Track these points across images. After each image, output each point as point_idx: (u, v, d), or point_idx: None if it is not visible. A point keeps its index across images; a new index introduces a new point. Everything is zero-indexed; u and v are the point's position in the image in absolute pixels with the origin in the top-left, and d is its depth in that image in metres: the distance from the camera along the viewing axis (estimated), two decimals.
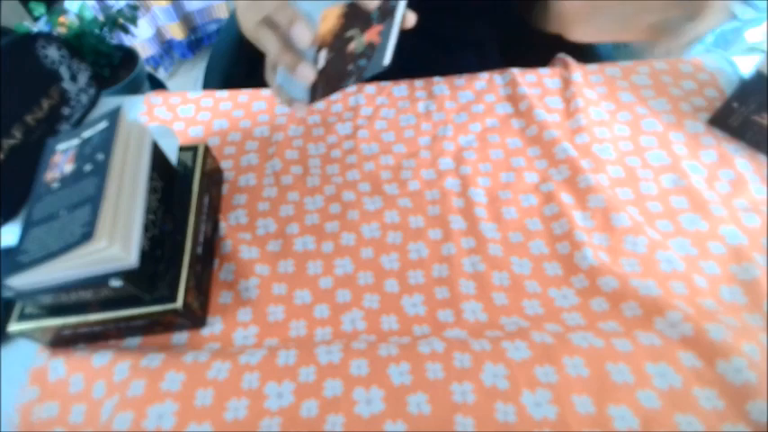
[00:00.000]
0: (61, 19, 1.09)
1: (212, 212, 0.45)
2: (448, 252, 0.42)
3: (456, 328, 0.38)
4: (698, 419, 0.32)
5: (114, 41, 1.19)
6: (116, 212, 0.33)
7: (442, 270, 0.41)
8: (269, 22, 0.38)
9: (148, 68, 1.54)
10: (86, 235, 0.31)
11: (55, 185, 0.35)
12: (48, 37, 0.50)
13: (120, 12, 1.17)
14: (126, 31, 1.19)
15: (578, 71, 0.54)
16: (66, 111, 0.52)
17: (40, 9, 1.08)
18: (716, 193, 0.44)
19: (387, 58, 0.41)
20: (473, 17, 0.58)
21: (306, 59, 0.37)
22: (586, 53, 0.60)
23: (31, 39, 0.49)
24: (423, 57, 0.57)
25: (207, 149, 0.46)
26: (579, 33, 0.48)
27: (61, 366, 0.37)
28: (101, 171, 0.34)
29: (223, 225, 0.45)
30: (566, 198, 0.45)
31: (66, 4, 1.24)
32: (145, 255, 0.35)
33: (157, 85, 1.37)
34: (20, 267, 0.31)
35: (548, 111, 0.52)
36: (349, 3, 0.37)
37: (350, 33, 0.39)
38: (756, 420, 0.31)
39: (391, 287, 0.41)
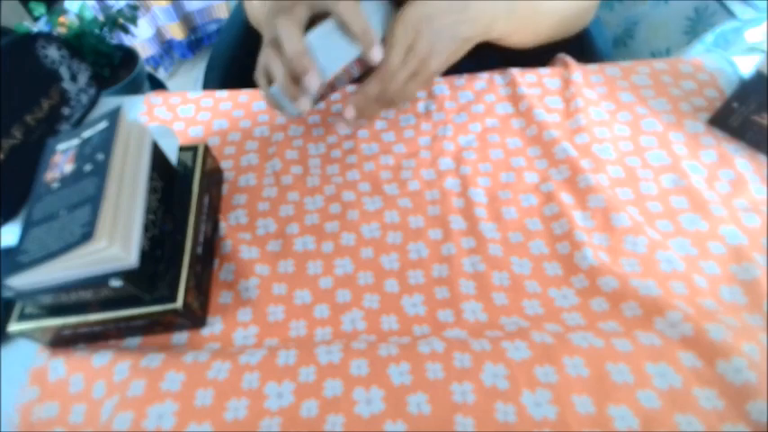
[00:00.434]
0: (61, 19, 1.09)
1: (212, 212, 0.45)
2: (448, 252, 0.42)
3: (456, 328, 0.38)
4: (698, 419, 0.32)
5: (114, 41, 1.19)
6: (116, 212, 0.33)
7: (442, 270, 0.41)
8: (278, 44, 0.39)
9: (148, 68, 1.54)
10: (86, 235, 0.31)
11: (55, 185, 0.35)
12: (48, 37, 0.50)
13: (120, 12, 1.17)
14: (126, 31, 1.19)
15: (578, 71, 0.54)
16: (66, 111, 0.52)
17: (40, 9, 1.08)
18: (716, 193, 0.44)
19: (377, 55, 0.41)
20: None
21: (306, 94, 0.39)
22: (586, 53, 0.60)
23: (31, 39, 0.49)
24: None
25: (207, 149, 0.46)
26: (514, 39, 0.50)
27: (61, 366, 0.37)
28: (101, 171, 0.34)
29: (223, 225, 0.45)
30: (566, 198, 0.45)
31: (67, 4, 1.25)
32: (145, 255, 0.35)
33: (157, 85, 1.37)
34: (20, 267, 0.31)
35: (548, 111, 0.52)
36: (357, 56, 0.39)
37: (349, 68, 0.41)
38: (756, 420, 0.31)
39: (391, 287, 0.41)
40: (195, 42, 1.75)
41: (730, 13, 0.60)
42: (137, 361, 0.36)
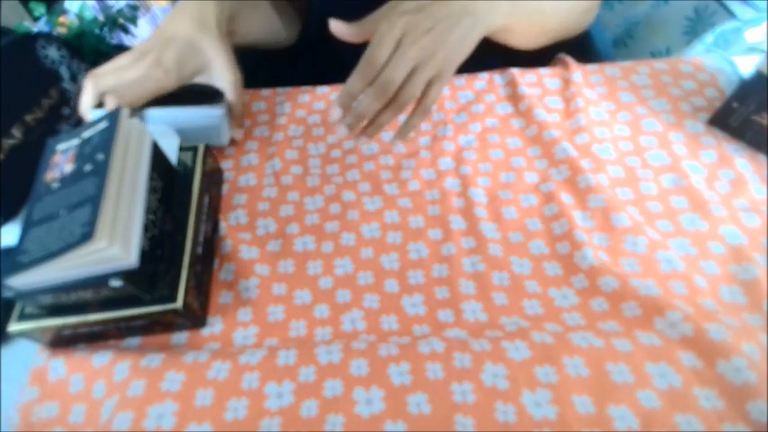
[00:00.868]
0: (61, 19, 1.09)
1: (212, 212, 0.45)
2: (448, 252, 0.42)
3: (456, 328, 0.38)
4: (698, 419, 0.32)
5: (114, 41, 1.19)
6: (116, 212, 0.33)
7: (442, 270, 0.41)
8: None
9: None
10: (86, 235, 0.31)
11: (55, 185, 0.35)
12: (48, 37, 0.50)
13: (120, 12, 1.16)
14: (126, 31, 1.19)
15: (578, 71, 0.54)
16: (66, 111, 0.52)
17: (40, 9, 1.08)
18: (716, 193, 0.44)
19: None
20: None
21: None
22: (586, 53, 0.60)
23: (31, 39, 0.49)
24: None
25: (207, 149, 0.46)
26: (515, 40, 0.49)
27: (61, 366, 0.37)
28: (101, 171, 0.34)
29: (223, 225, 0.45)
30: (566, 198, 0.45)
31: (67, 4, 1.25)
32: (145, 255, 0.35)
33: None
34: (20, 267, 0.31)
35: (548, 111, 0.52)
36: None
37: None
38: (756, 420, 0.31)
39: (391, 287, 0.41)
40: None
41: (730, 13, 0.60)
42: (137, 361, 0.36)
